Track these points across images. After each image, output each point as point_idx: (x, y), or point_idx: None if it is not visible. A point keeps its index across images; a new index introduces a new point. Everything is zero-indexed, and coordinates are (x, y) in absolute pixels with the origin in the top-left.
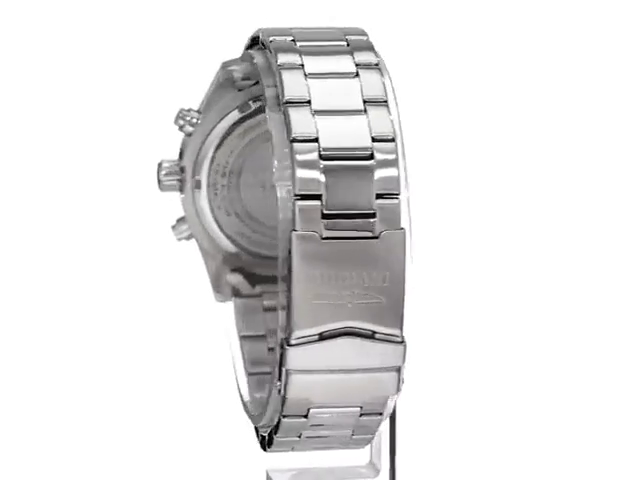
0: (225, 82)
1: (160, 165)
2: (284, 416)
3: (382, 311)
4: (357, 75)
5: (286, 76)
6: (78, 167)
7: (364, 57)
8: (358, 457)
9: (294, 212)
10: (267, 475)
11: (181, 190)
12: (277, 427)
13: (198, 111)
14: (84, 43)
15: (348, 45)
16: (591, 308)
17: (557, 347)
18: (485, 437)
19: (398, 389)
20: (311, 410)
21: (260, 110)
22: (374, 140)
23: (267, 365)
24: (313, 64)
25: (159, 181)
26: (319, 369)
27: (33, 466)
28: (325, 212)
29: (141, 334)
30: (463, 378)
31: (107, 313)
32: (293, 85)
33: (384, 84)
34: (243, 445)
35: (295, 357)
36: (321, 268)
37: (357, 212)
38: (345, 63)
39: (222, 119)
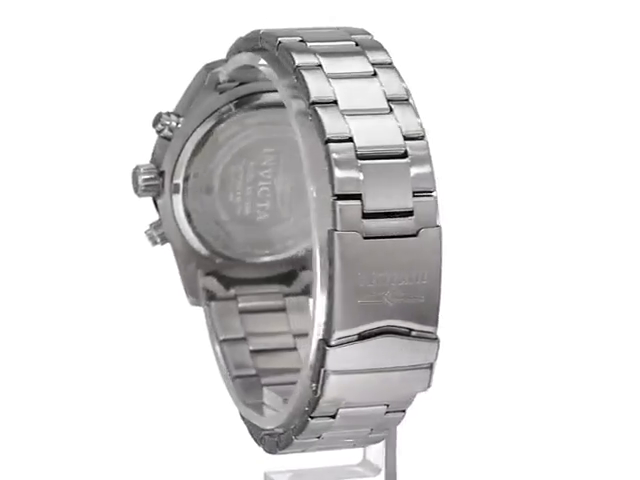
0: (209, 85)
1: (137, 170)
2: (312, 417)
3: (420, 309)
4: (375, 75)
5: (308, 77)
6: (46, 171)
7: (378, 56)
8: (352, 456)
9: (335, 212)
10: (266, 477)
11: (159, 194)
12: (301, 429)
13: (177, 114)
14: (56, 43)
15: (357, 45)
16: (609, 309)
17: (561, 349)
18: (484, 437)
19: (428, 386)
20: (340, 410)
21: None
22: (405, 138)
23: (251, 368)
24: (330, 64)
25: (137, 186)
26: (357, 369)
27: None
28: (365, 211)
29: (127, 338)
30: (463, 377)
31: (83, 318)
32: (318, 86)
33: (403, 82)
34: (238, 448)
35: (335, 358)
36: (363, 268)
37: (396, 211)
38: (361, 63)
39: (202, 123)
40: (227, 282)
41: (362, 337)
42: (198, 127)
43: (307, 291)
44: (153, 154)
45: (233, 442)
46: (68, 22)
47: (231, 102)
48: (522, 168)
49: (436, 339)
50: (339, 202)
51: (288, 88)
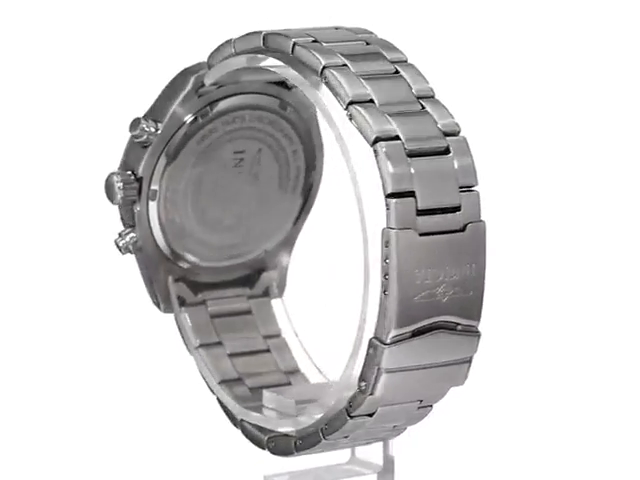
0: (192, 89)
1: (113, 178)
2: (352, 417)
3: (468, 303)
4: (397, 72)
5: (341, 76)
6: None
7: (394, 55)
8: (342, 455)
9: (390, 210)
10: None
11: (134, 202)
12: (335, 429)
13: (155, 120)
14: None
15: (368, 44)
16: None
17: (565, 351)
18: (484, 437)
19: (465, 380)
20: (379, 408)
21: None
22: (444, 134)
23: (233, 371)
24: (354, 64)
25: (114, 194)
26: (408, 367)
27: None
28: (419, 208)
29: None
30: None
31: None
32: (352, 85)
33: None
34: (229, 452)
35: (391, 356)
36: (419, 265)
37: (446, 207)
38: (382, 62)
39: (181, 127)
40: (195, 287)
41: (415, 334)
42: (176, 132)
43: (268, 293)
44: (125, 160)
45: (225, 447)
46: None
47: (208, 105)
48: (526, 167)
49: (478, 333)
50: (394, 200)
51: (313, 89)
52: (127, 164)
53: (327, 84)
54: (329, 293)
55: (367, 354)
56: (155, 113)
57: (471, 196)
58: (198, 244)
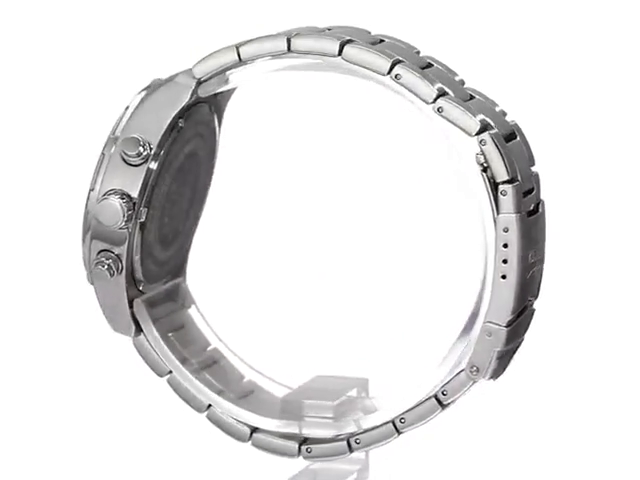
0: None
1: (117, 203)
2: (445, 406)
3: (538, 282)
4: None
5: (411, 72)
6: None
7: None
8: None
9: (507, 196)
10: None
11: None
12: (421, 419)
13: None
14: None
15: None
16: None
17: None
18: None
19: None
20: None
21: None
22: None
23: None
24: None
25: (115, 219)
26: (512, 348)
27: None
28: (523, 192)
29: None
30: None
31: None
32: (426, 79)
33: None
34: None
35: (509, 338)
36: (529, 246)
37: (531, 188)
38: (420, 59)
39: (166, 143)
40: (150, 306)
41: (518, 315)
42: (163, 149)
43: (185, 304)
44: (111, 180)
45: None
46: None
47: (181, 117)
48: None
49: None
50: (509, 185)
51: (384, 87)
52: (114, 184)
53: (402, 84)
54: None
55: (479, 340)
56: (146, 131)
57: (535, 177)
58: (153, 263)
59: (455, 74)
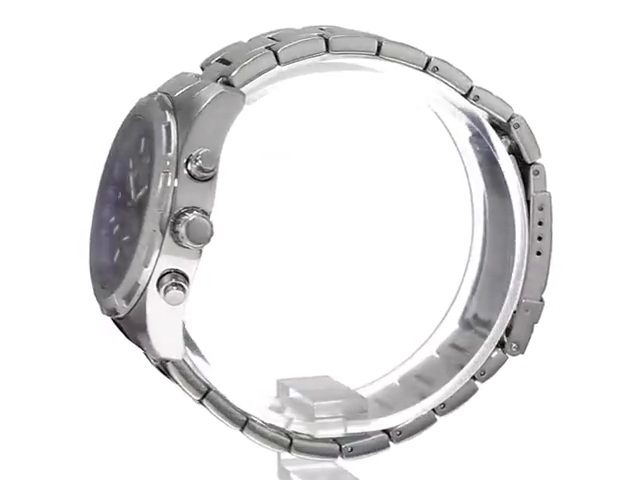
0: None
1: (206, 220)
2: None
3: None
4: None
5: (450, 64)
6: None
7: None
8: None
9: (539, 175)
10: None
11: None
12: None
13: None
14: None
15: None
16: None
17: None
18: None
19: None
20: None
21: None
22: None
23: None
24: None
25: (204, 237)
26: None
27: None
28: None
29: None
30: None
31: None
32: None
33: None
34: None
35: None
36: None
37: None
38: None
39: None
40: None
41: None
42: None
43: None
44: (186, 198)
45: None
46: None
47: None
48: None
49: None
50: (541, 165)
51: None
52: (188, 202)
53: (439, 76)
54: None
55: (519, 316)
56: (208, 143)
57: None
58: None
59: None
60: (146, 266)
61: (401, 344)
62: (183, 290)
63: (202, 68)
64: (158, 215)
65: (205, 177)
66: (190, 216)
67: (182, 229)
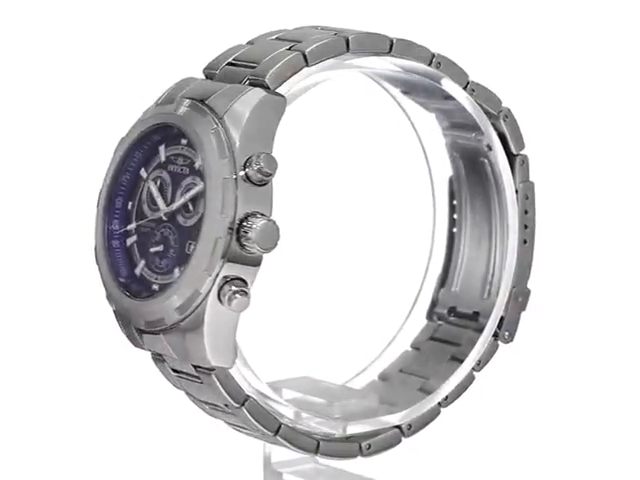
0: None
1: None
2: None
3: None
4: None
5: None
6: None
7: None
8: None
9: (525, 165)
10: None
11: None
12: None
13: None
14: None
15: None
16: None
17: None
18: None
19: None
20: None
21: None
22: None
23: None
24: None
25: (273, 242)
26: None
27: None
28: None
29: None
30: None
31: None
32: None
33: None
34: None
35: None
36: None
37: None
38: None
39: None
40: None
41: None
42: None
43: None
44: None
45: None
46: None
47: None
48: None
49: None
50: (525, 155)
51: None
52: (250, 207)
53: (442, 70)
54: None
55: (511, 305)
56: (259, 147)
57: None
58: None
59: None
60: (210, 274)
61: (369, 341)
62: (247, 296)
63: (207, 73)
64: (221, 222)
65: (264, 181)
66: (257, 221)
67: (252, 234)
